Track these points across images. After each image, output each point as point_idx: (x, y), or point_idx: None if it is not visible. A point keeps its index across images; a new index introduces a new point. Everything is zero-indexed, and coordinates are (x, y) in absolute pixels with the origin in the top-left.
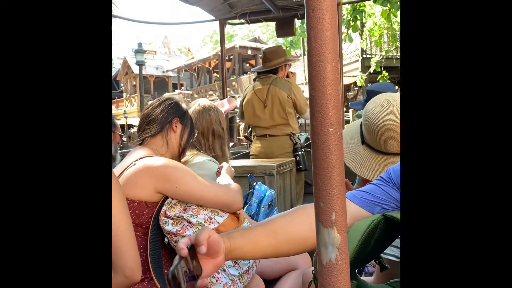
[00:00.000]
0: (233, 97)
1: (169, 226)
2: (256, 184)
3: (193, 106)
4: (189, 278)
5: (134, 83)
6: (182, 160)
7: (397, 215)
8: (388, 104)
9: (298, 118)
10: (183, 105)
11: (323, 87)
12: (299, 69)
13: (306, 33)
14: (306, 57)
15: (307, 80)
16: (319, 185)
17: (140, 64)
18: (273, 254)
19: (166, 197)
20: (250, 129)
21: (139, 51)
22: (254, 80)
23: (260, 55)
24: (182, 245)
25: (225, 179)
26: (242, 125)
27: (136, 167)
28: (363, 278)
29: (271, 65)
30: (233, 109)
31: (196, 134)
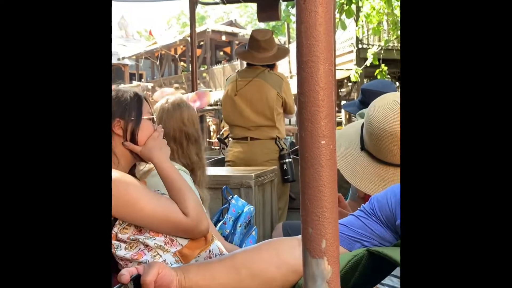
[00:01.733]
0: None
1: (121, 251)
2: (232, 198)
3: (159, 102)
4: None
5: None
6: (146, 168)
7: (383, 250)
8: (396, 107)
9: None
10: (124, 93)
11: (314, 92)
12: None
13: (296, 28)
14: (292, 45)
15: (291, 73)
16: (307, 207)
17: None
18: None
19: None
20: (222, 130)
21: None
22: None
23: (237, 42)
24: (125, 272)
25: (184, 187)
26: (213, 126)
27: None
28: None
29: (266, 58)
30: (203, 108)
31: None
